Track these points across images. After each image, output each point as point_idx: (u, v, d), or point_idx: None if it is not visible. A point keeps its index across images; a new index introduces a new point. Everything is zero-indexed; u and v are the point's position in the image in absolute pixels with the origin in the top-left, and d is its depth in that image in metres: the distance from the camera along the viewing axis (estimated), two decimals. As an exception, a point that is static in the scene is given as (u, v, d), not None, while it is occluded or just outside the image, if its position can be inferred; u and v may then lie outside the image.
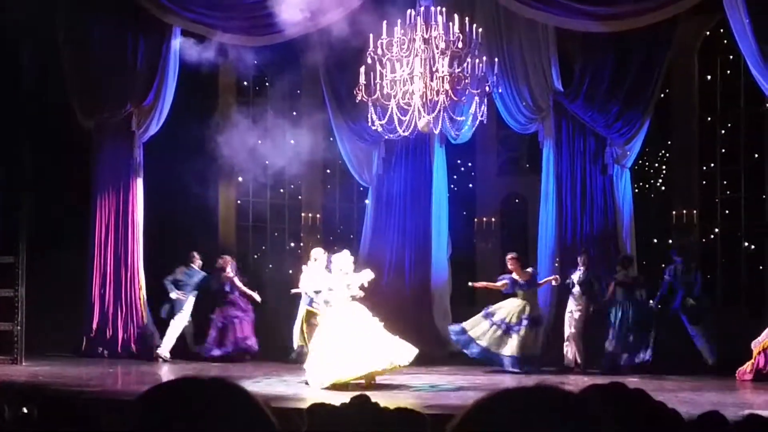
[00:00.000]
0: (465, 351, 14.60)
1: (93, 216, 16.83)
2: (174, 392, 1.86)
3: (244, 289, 16.34)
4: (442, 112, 12.74)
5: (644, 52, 15.51)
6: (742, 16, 13.59)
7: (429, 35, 12.57)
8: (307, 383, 12.23)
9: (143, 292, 16.62)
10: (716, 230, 17.44)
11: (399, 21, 12.70)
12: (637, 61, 15.59)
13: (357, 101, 13.25)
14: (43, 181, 16.00)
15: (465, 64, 12.71)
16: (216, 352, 15.85)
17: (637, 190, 16.82)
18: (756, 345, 13.55)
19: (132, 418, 1.86)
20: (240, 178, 18.47)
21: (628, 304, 14.71)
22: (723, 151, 17.43)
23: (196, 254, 16.54)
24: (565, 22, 15.12)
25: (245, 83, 18.91)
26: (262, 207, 19.12)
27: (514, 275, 14.73)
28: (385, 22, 12.67)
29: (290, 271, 17.11)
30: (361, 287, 12.67)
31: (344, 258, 12.77)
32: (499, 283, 14.86)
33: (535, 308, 14.79)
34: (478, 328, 14.51)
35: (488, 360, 14.48)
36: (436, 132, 14.24)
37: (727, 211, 17.37)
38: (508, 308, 14.53)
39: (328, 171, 19.38)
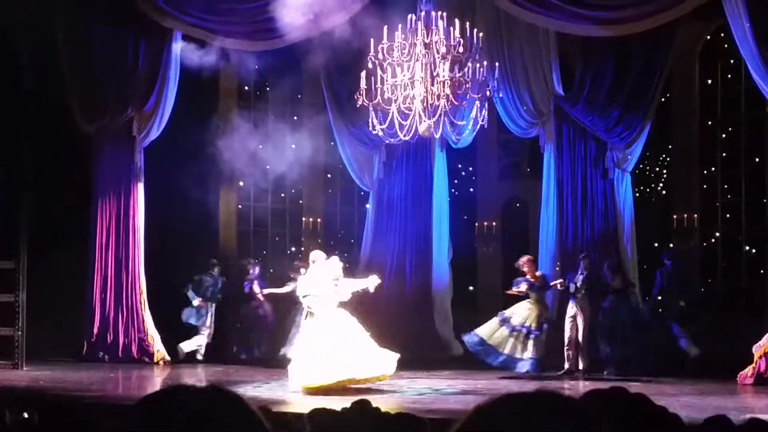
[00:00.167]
0: (486, 361, 14.38)
1: (94, 220, 16.83)
2: (169, 400, 1.86)
3: (267, 291, 16.44)
4: (442, 117, 12.74)
5: (645, 56, 15.52)
6: (743, 20, 13.59)
7: (430, 40, 12.57)
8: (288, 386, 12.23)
9: (144, 296, 16.61)
10: (717, 234, 17.45)
11: (400, 25, 12.70)
12: (637, 65, 15.59)
13: (358, 106, 13.25)
14: (43, 185, 15.99)
15: (466, 69, 12.71)
16: (255, 353, 16.05)
17: (637, 194, 16.83)
18: (757, 349, 13.54)
19: (129, 425, 1.86)
20: (241, 183, 18.47)
21: (624, 309, 14.74)
22: (723, 155, 17.45)
23: (215, 260, 16.63)
24: (566, 26, 15.12)
25: (246, 88, 18.92)
26: (263, 211, 19.13)
27: (528, 278, 14.64)
28: (386, 26, 12.68)
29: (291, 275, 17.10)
30: (365, 291, 12.67)
31: (333, 264, 12.76)
32: (523, 287, 14.70)
33: (547, 311, 14.77)
34: (498, 336, 14.35)
35: (508, 366, 14.34)
36: (437, 136, 14.25)
37: (727, 215, 17.38)
38: (524, 312, 14.42)
39: (329, 175, 19.38)
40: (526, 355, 14.20)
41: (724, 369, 13.77)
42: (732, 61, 16.68)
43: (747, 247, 17.24)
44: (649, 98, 15.62)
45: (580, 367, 14.62)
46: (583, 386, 13.23)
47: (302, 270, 15.29)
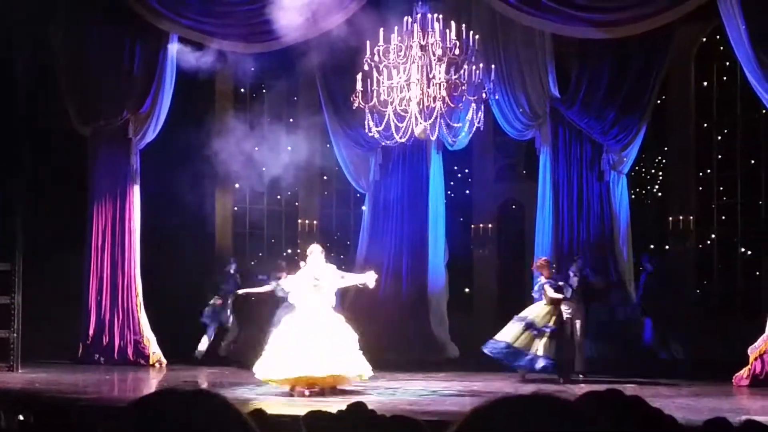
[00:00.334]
0: (514, 364, 14.21)
1: (89, 222, 16.82)
2: (155, 404, 1.86)
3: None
4: (438, 119, 12.74)
5: (641, 58, 15.54)
6: (739, 23, 13.61)
7: (426, 42, 12.57)
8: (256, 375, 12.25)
9: (140, 298, 16.59)
10: (713, 236, 17.48)
11: (396, 28, 12.70)
12: (633, 67, 15.61)
13: (354, 108, 13.25)
14: (39, 188, 15.98)
15: (462, 71, 12.71)
16: None
17: (633, 196, 16.85)
18: (753, 351, 13.55)
19: (116, 430, 1.86)
20: (237, 185, 18.47)
21: (602, 309, 14.81)
22: (719, 156, 17.48)
23: (232, 259, 16.87)
24: (562, 29, 15.13)
25: (242, 90, 18.92)
26: (259, 214, 19.13)
27: (543, 279, 14.57)
28: (382, 29, 12.68)
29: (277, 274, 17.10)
30: (365, 287, 12.67)
31: (313, 256, 12.73)
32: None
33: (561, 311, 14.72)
34: (524, 339, 14.21)
35: (533, 366, 14.20)
36: (433, 138, 14.25)
37: (723, 217, 17.41)
38: (543, 314, 14.33)
39: (325, 177, 19.39)
40: (543, 353, 14.06)
41: (719, 371, 13.79)
42: (728, 63, 16.71)
43: (742, 249, 17.27)
44: (645, 100, 15.64)
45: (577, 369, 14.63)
46: (579, 388, 13.22)
47: (281, 274, 15.41)
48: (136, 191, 16.81)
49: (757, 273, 17.00)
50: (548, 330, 13.99)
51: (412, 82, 12.60)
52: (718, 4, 13.72)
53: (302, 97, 18.90)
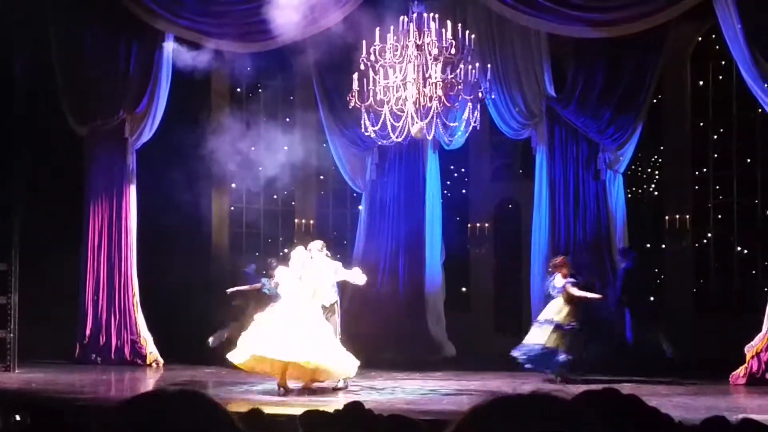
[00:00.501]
0: (549, 367, 13.99)
1: (86, 222, 16.81)
2: (141, 406, 1.86)
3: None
4: (435, 118, 12.74)
5: (636, 57, 15.54)
6: (734, 22, 13.63)
7: (422, 41, 12.58)
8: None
9: (137, 298, 16.59)
10: (709, 235, 17.50)
11: (392, 27, 12.71)
12: (629, 66, 15.61)
13: (350, 107, 13.25)
14: (35, 187, 15.96)
15: (458, 71, 12.72)
16: None
17: (630, 195, 16.85)
18: (749, 349, 13.57)
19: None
20: (233, 185, 18.47)
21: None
22: (715, 156, 17.51)
23: (249, 262, 17.05)
24: (558, 28, 15.14)
25: (238, 89, 18.91)
26: (256, 213, 19.12)
27: (560, 277, 14.54)
28: (378, 28, 12.68)
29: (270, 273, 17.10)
30: (355, 285, 12.71)
31: (298, 254, 12.77)
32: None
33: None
34: (555, 339, 14.17)
35: (568, 363, 14.15)
36: (429, 138, 14.24)
37: (719, 216, 17.44)
38: (565, 313, 14.30)
39: (322, 177, 19.39)
40: (565, 349, 14.02)
41: (716, 369, 13.80)
42: (723, 62, 16.74)
43: (739, 248, 17.30)
44: (641, 99, 15.64)
45: None
46: (576, 388, 13.23)
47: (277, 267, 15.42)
48: (132, 191, 16.80)
49: (754, 272, 17.03)
50: (569, 328, 13.99)
51: (408, 81, 12.60)
52: (714, 3, 13.73)
53: (298, 96, 18.90)
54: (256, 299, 15.62)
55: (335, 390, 12.44)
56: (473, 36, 13.18)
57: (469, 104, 13.09)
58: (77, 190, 16.86)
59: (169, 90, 16.56)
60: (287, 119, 18.70)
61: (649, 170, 18.23)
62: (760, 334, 13.56)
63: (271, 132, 17.31)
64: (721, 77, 17.32)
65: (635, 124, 15.73)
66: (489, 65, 14.35)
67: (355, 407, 4.01)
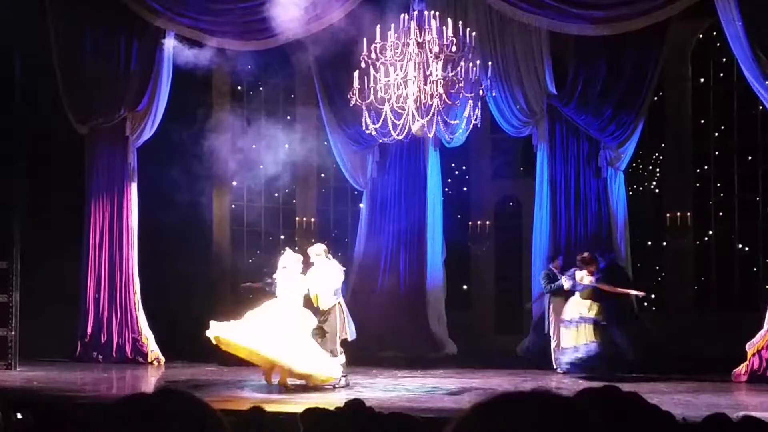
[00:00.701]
0: (594, 362, 13.89)
1: (87, 221, 16.81)
2: (131, 407, 1.87)
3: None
4: (436, 116, 12.73)
5: (637, 55, 15.54)
6: (735, 19, 13.62)
7: (423, 39, 12.56)
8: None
9: (138, 296, 16.59)
10: (710, 232, 17.50)
11: (393, 25, 12.70)
12: (630, 64, 15.61)
13: (351, 105, 13.24)
14: (36, 185, 15.96)
15: (459, 68, 12.71)
16: None
17: (631, 193, 16.86)
18: (750, 347, 13.58)
19: None
20: (234, 183, 18.47)
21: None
22: (716, 153, 17.50)
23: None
24: (559, 25, 15.13)
25: (239, 87, 18.90)
26: (256, 211, 19.12)
27: (585, 274, 14.53)
28: (378, 26, 12.67)
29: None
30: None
31: (286, 257, 12.78)
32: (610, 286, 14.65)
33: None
34: (598, 335, 14.15)
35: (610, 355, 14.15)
36: (430, 136, 14.24)
37: (720, 214, 17.44)
38: (595, 308, 14.25)
39: (323, 175, 19.38)
40: (589, 339, 14.02)
41: (717, 367, 13.80)
42: (724, 59, 16.74)
43: (740, 245, 17.30)
44: (642, 97, 15.64)
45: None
46: (577, 385, 13.23)
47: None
48: (133, 189, 16.80)
49: (755, 269, 17.03)
50: (605, 323, 14.02)
51: (409, 79, 12.59)
52: (715, 1, 13.72)
53: (299, 94, 18.89)
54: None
55: (335, 388, 12.44)
56: (474, 33, 13.16)
57: (470, 102, 13.08)
58: (78, 188, 16.86)
59: (170, 88, 16.55)
60: (288, 117, 18.70)
61: (650, 168, 18.23)
62: (762, 332, 13.57)
63: (272, 130, 17.30)
64: (722, 74, 17.32)
65: (636, 121, 15.73)
66: (490, 63, 14.34)
67: (356, 405, 4.02)
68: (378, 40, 12.52)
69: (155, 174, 16.50)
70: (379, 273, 17.26)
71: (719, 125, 17.50)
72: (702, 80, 17.61)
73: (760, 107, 15.95)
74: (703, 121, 17.59)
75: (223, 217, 18.72)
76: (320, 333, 12.53)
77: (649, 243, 17.79)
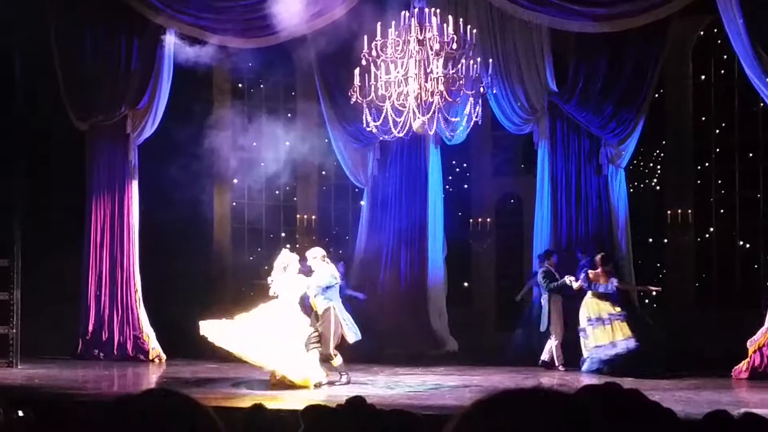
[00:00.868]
0: (616, 359, 13.97)
1: (88, 218, 16.82)
2: (122, 409, 1.87)
3: (347, 291, 16.61)
4: (436, 113, 12.73)
5: (638, 52, 15.54)
6: (736, 16, 13.61)
7: (423, 37, 12.57)
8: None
9: (139, 294, 16.60)
10: (711, 229, 17.49)
11: (393, 23, 12.70)
12: (631, 61, 15.61)
13: (352, 103, 13.25)
14: (37, 183, 15.97)
15: (459, 65, 12.71)
16: None
17: (632, 190, 16.86)
18: (752, 344, 13.58)
19: None
20: (235, 180, 18.46)
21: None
22: (717, 150, 17.49)
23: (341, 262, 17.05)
24: (559, 22, 15.13)
25: (240, 85, 18.90)
26: (257, 209, 19.12)
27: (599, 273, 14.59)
28: (379, 23, 12.67)
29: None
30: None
31: (283, 257, 12.80)
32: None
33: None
34: (618, 331, 14.17)
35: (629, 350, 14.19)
36: (431, 133, 14.24)
37: (721, 211, 17.43)
38: (617, 305, 14.32)
39: (324, 172, 19.38)
40: (626, 335, 14.04)
41: (718, 364, 13.80)
42: (725, 56, 16.72)
43: (741, 242, 17.29)
44: (643, 94, 15.63)
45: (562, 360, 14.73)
46: (578, 382, 13.24)
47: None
48: (134, 187, 16.81)
49: (756, 266, 17.03)
50: (623, 317, 14.07)
51: (409, 76, 12.59)
52: (716, -3, 13.73)
53: (300, 91, 18.89)
54: None
55: (330, 384, 12.43)
56: (475, 31, 13.17)
57: (471, 99, 13.09)
58: (79, 186, 16.86)
59: (170, 86, 16.55)
60: (289, 114, 18.70)
61: (651, 165, 18.23)
62: (762, 329, 13.57)
63: (273, 127, 17.30)
64: (723, 71, 17.30)
65: (637, 118, 15.73)
66: (490, 60, 14.34)
67: (357, 402, 4.02)
68: (379, 37, 12.52)
69: (156, 172, 16.50)
70: (380, 270, 17.27)
71: (720, 122, 17.49)
72: (703, 77, 17.60)
73: (761, 104, 15.94)
74: (704, 119, 17.58)
75: (224, 215, 18.73)
76: (318, 339, 12.48)
77: (650, 240, 17.79)
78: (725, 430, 3.62)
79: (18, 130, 15.37)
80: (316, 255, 12.79)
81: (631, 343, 13.84)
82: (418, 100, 12.60)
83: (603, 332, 14.02)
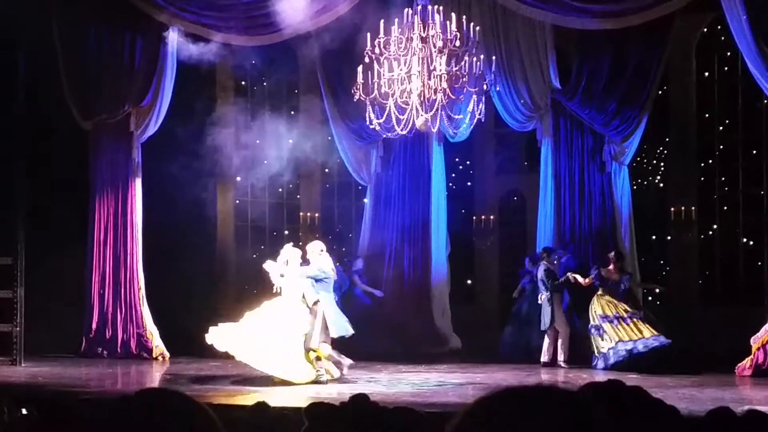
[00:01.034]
0: (629, 355, 14.04)
1: (92, 216, 16.83)
2: (123, 409, 1.87)
3: (364, 287, 16.67)
4: (440, 111, 12.73)
5: (641, 49, 15.51)
6: (740, 13, 13.59)
7: (426, 34, 12.57)
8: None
9: (142, 292, 16.62)
10: (714, 227, 17.48)
11: (396, 20, 12.70)
12: (634, 58, 15.59)
13: (355, 100, 13.24)
14: (41, 183, 15.98)
15: (462, 63, 12.71)
16: None
17: (635, 187, 16.84)
18: (755, 341, 13.56)
19: None
20: (238, 178, 18.47)
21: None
22: (721, 147, 17.47)
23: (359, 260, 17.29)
24: (563, 19, 15.12)
25: (243, 83, 18.90)
26: (260, 206, 19.12)
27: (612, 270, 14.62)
28: (382, 21, 12.68)
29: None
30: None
31: (286, 252, 12.82)
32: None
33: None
34: (624, 331, 14.18)
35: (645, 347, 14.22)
36: (434, 130, 14.25)
37: (725, 208, 17.41)
38: (620, 303, 14.35)
39: (327, 170, 19.38)
40: (648, 335, 14.07)
41: (722, 361, 13.79)
42: (729, 53, 16.70)
43: (744, 240, 17.28)
44: (646, 91, 15.61)
45: (564, 357, 14.74)
46: (581, 379, 13.24)
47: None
48: (138, 185, 16.81)
49: (759, 263, 17.01)
50: (638, 316, 14.09)
51: (413, 74, 12.60)
52: (719, -6, 13.71)
53: (303, 89, 18.88)
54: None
55: (328, 382, 12.43)
56: (478, 28, 13.17)
57: (474, 96, 13.09)
58: (82, 184, 16.87)
59: (174, 83, 16.55)
60: (292, 112, 18.70)
61: (655, 162, 18.21)
62: (766, 326, 13.56)
63: (276, 125, 17.30)
64: (726, 68, 17.28)
65: (640, 115, 15.71)
66: (494, 57, 14.36)
67: (360, 400, 4.02)
68: (382, 34, 12.53)
69: (159, 170, 16.50)
70: (383, 268, 17.26)
71: (723, 119, 17.47)
72: (706, 74, 17.57)
73: (765, 101, 15.92)
74: (707, 115, 17.56)
75: (227, 213, 18.73)
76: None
77: (654, 237, 17.78)
78: (728, 428, 3.62)
79: (21, 128, 15.38)
80: (314, 249, 12.80)
81: (662, 340, 13.90)
82: (422, 98, 12.61)
83: (625, 329, 14.03)
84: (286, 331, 12.30)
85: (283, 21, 15.21)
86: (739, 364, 13.60)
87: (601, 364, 14.10)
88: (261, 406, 5.77)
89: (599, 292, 14.36)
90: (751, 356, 13.54)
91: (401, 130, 12.91)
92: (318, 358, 12.47)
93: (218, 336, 12.28)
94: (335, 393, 11.11)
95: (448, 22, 12.68)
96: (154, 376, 14.67)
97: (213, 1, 16.12)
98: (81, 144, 16.86)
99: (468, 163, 19.07)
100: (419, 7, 12.81)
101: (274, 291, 12.72)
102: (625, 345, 13.96)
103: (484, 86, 13.15)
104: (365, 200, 18.26)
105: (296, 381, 12.22)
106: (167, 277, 16.62)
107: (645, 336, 13.97)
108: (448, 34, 12.62)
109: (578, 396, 1.77)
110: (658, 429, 2.85)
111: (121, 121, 16.78)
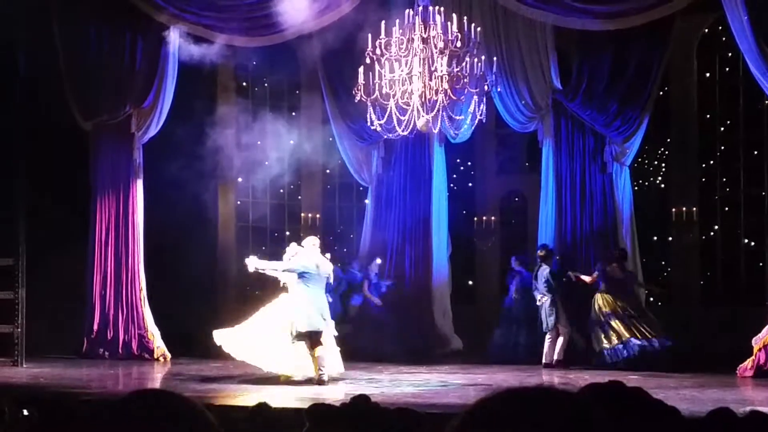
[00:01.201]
0: (632, 354, 14.17)
1: (93, 217, 16.84)
2: (120, 411, 1.87)
3: (366, 293, 16.77)
4: (441, 112, 12.73)
5: (642, 49, 15.51)
6: (741, 13, 13.59)
7: (427, 35, 12.56)
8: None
9: (144, 293, 16.63)
10: (716, 227, 17.48)
11: (397, 21, 12.70)
12: (635, 59, 15.58)
13: (356, 101, 13.24)
14: (42, 184, 15.98)
15: (464, 64, 12.71)
16: None
17: (636, 188, 16.84)
18: (756, 342, 13.56)
19: None
20: (239, 179, 18.47)
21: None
22: (722, 148, 17.47)
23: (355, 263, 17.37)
24: (564, 20, 15.12)
25: (244, 84, 18.91)
26: (262, 207, 19.12)
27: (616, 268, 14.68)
28: (383, 22, 12.67)
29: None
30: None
31: (292, 249, 12.90)
32: None
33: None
34: (623, 329, 14.22)
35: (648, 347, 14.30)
36: (435, 131, 14.24)
37: (726, 209, 17.41)
38: (622, 302, 14.37)
39: (328, 171, 19.38)
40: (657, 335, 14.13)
41: (723, 362, 13.79)
42: (730, 54, 16.70)
43: (746, 240, 17.28)
44: (647, 92, 15.61)
45: (561, 358, 14.78)
46: (582, 380, 13.24)
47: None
48: (139, 186, 16.82)
49: (761, 264, 17.01)
50: (642, 315, 14.13)
51: (414, 74, 12.59)
52: (720, -6, 13.71)
53: (304, 90, 18.89)
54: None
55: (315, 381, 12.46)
56: (479, 29, 13.17)
57: (475, 97, 13.08)
58: (84, 185, 16.88)
59: (175, 84, 16.56)
60: (293, 113, 18.70)
61: (656, 163, 18.21)
62: (767, 327, 13.55)
63: (277, 126, 17.31)
64: (727, 69, 17.29)
65: (642, 116, 15.71)
66: (495, 58, 14.35)
67: (361, 401, 4.02)
68: (383, 35, 12.52)
69: (161, 170, 16.51)
70: (384, 269, 17.25)
71: (725, 120, 17.47)
72: (707, 75, 17.57)
73: (766, 102, 15.92)
74: (708, 116, 17.56)
75: (229, 214, 18.74)
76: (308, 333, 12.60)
77: (655, 238, 17.77)
78: (729, 428, 3.62)
79: (22, 130, 15.38)
80: (306, 242, 12.88)
81: (665, 341, 13.92)
82: (423, 99, 12.60)
83: (629, 328, 14.05)
84: (287, 329, 12.34)
85: (285, 22, 15.22)
86: (740, 365, 13.60)
87: (607, 359, 14.13)
88: (262, 406, 5.78)
89: (602, 288, 14.37)
90: (753, 357, 13.54)
91: (402, 130, 12.91)
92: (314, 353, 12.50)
93: (225, 337, 12.39)
94: (336, 394, 11.11)
95: (449, 23, 12.68)
96: (156, 377, 14.67)
97: (214, 2, 16.12)
98: (81, 144, 16.87)
99: (469, 163, 19.07)
100: (420, 8, 12.80)
101: (282, 285, 12.83)
102: (631, 342, 14.01)
103: (485, 87, 13.15)
104: (366, 201, 18.26)
105: (299, 377, 12.30)
106: (168, 278, 16.63)
107: (647, 335, 13.99)
108: (450, 35, 12.62)
109: (579, 397, 1.77)
110: (659, 430, 2.85)
111: (122, 122, 16.79)
